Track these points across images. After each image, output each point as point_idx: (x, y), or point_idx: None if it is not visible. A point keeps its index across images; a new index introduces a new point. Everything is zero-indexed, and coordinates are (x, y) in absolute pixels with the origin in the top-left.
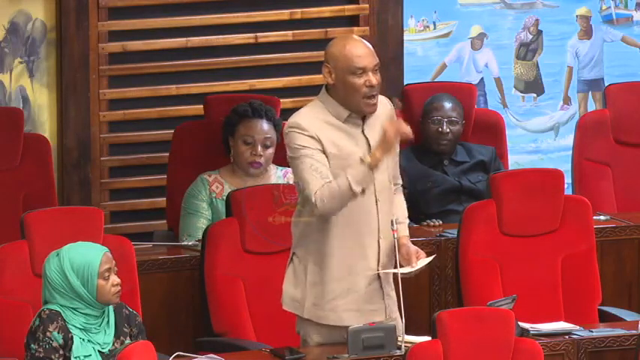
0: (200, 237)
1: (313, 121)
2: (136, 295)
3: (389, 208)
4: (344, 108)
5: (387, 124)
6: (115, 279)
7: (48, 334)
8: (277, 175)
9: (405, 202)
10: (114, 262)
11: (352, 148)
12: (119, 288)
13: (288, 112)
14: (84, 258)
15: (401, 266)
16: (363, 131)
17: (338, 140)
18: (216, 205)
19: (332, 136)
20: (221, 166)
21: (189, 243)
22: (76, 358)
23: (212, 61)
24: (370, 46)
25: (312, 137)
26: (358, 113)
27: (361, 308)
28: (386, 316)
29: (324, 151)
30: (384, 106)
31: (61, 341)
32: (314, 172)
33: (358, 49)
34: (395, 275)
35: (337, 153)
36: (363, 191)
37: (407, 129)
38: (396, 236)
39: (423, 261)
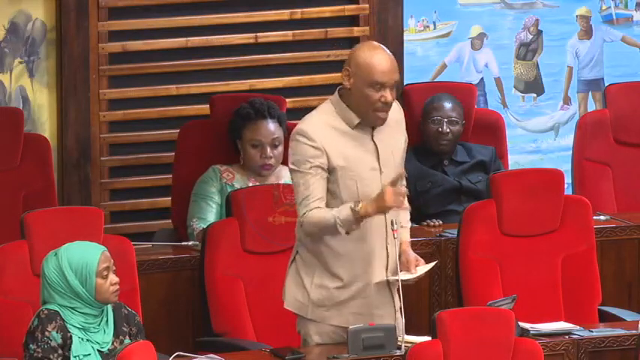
0: (209, 221)
1: (322, 130)
2: (136, 295)
3: (396, 213)
4: (354, 114)
5: (389, 189)
6: (113, 278)
7: (47, 333)
8: (288, 175)
9: (409, 207)
10: (112, 261)
11: (361, 155)
12: (117, 287)
13: (288, 113)
14: (82, 257)
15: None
16: (372, 138)
17: (346, 148)
18: (227, 192)
19: (340, 145)
20: (229, 164)
21: (189, 243)
22: (75, 357)
23: (212, 61)
24: (394, 60)
25: (317, 149)
26: (366, 124)
27: (370, 313)
28: (395, 320)
29: (328, 165)
30: (395, 110)
31: (59, 341)
32: (308, 193)
33: (382, 63)
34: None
35: (344, 164)
36: (348, 232)
37: (402, 204)
38: (396, 236)
39: (422, 268)
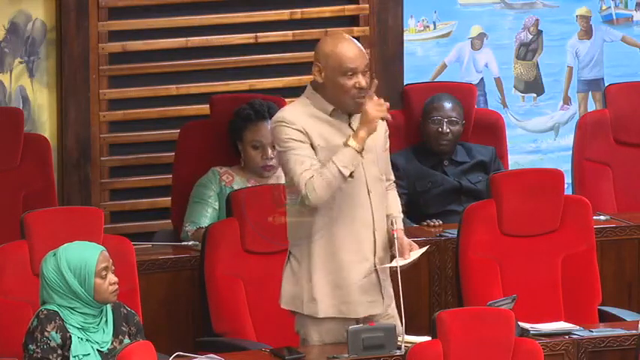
0: (203, 225)
1: (300, 115)
2: (136, 295)
3: (381, 200)
4: (329, 104)
5: (368, 103)
6: (112, 278)
7: (46, 334)
8: None
9: (398, 198)
10: (111, 261)
11: (339, 141)
12: (116, 287)
13: None
14: (81, 257)
15: (394, 258)
16: (350, 124)
17: (325, 133)
18: (225, 194)
19: (319, 129)
20: (229, 165)
21: (189, 243)
22: (74, 357)
23: (212, 61)
24: (361, 46)
25: (299, 130)
26: (345, 112)
27: (359, 300)
28: (384, 307)
29: (311, 144)
30: None
31: (59, 341)
32: (301, 164)
33: (350, 50)
34: (391, 269)
35: (325, 145)
36: (352, 175)
37: (385, 112)
38: (396, 236)
39: (416, 252)
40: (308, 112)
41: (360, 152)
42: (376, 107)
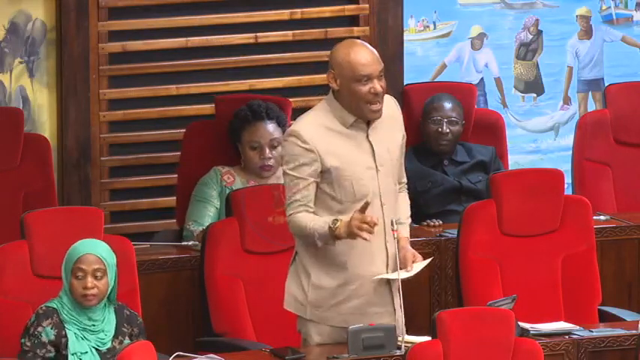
0: (205, 224)
1: (316, 130)
2: (136, 295)
3: (394, 212)
4: (349, 113)
5: (356, 216)
6: (88, 283)
7: (39, 329)
8: None
9: (408, 202)
10: (99, 267)
11: (356, 155)
12: (88, 292)
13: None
14: (70, 252)
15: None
16: (367, 136)
17: (340, 149)
18: (225, 194)
19: (333, 146)
20: (231, 165)
21: (189, 243)
22: (73, 354)
23: (212, 61)
24: (374, 51)
25: (310, 150)
26: (363, 119)
27: (367, 312)
28: (395, 320)
29: (321, 167)
30: (390, 106)
31: (52, 337)
32: (296, 197)
33: (363, 56)
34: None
35: (338, 165)
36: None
37: (365, 234)
38: (396, 236)
39: (419, 265)
40: (325, 124)
41: (335, 239)
42: (359, 225)
